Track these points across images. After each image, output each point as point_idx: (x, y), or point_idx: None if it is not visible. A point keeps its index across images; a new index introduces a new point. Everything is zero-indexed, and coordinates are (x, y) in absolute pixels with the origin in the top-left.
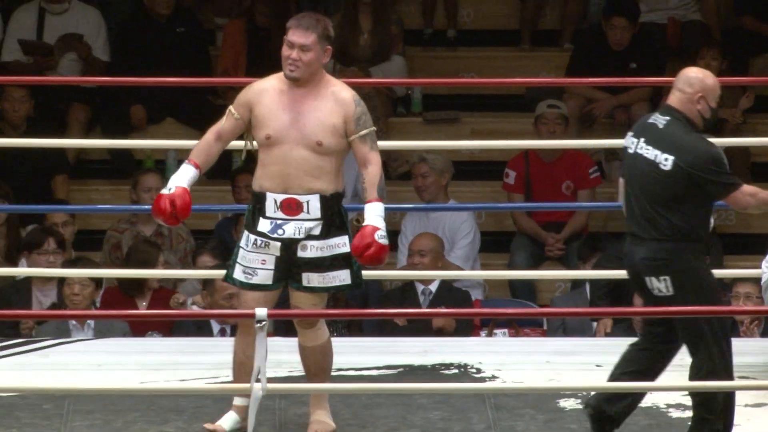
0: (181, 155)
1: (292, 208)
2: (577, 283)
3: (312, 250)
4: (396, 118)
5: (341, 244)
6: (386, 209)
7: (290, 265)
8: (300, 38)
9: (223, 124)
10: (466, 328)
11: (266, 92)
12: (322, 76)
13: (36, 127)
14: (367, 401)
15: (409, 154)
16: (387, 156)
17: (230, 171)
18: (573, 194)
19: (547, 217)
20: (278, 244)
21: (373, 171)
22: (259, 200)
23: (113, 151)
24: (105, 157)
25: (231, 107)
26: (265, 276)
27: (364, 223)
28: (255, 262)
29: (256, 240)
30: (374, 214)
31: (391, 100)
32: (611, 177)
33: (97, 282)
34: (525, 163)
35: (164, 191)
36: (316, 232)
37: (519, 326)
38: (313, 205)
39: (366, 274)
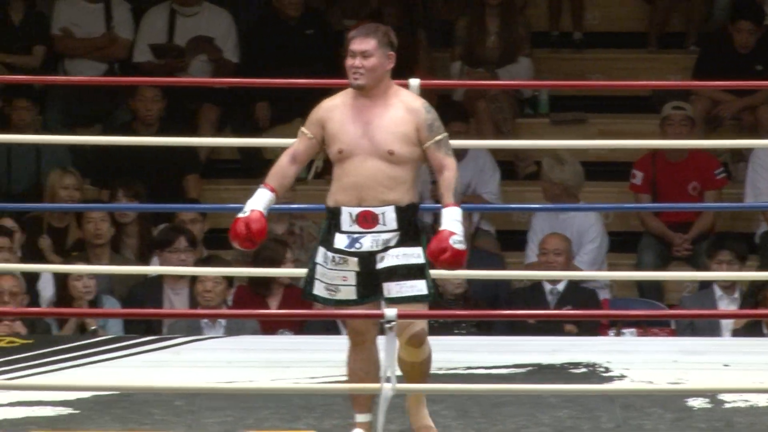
0: None
1: (368, 220)
2: (704, 283)
3: (388, 259)
4: (523, 119)
5: (415, 255)
6: (513, 209)
7: (372, 279)
8: (360, 45)
9: (297, 145)
10: (593, 327)
11: (336, 108)
12: (389, 85)
13: (168, 126)
14: (496, 400)
15: (537, 154)
16: (515, 156)
17: None
18: (699, 195)
19: (674, 218)
20: (355, 259)
21: (449, 176)
22: (334, 215)
23: (243, 151)
24: (235, 157)
25: (303, 128)
26: (348, 292)
27: (440, 228)
28: (336, 278)
29: (333, 257)
30: (451, 219)
31: (518, 101)
32: (737, 178)
33: (229, 280)
34: (652, 164)
35: (240, 215)
36: (393, 243)
37: (647, 326)
38: (389, 216)
39: (491, 274)
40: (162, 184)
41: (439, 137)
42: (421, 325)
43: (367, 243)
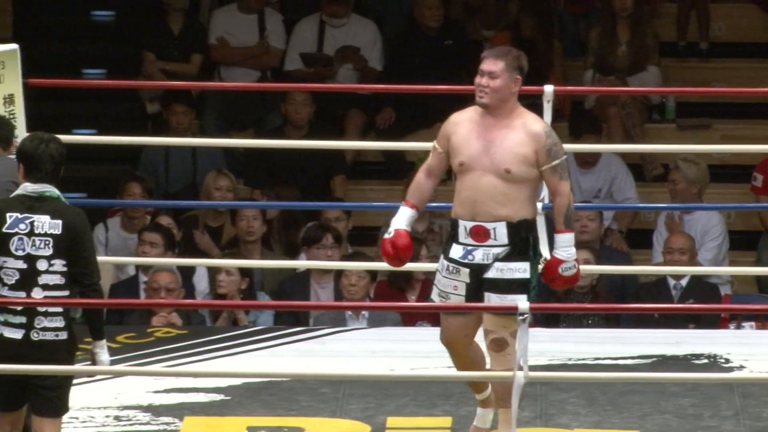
0: None
1: (480, 234)
2: None
3: (492, 271)
4: (651, 124)
5: (521, 270)
6: (641, 209)
7: (478, 290)
8: (489, 66)
9: (431, 160)
10: (715, 320)
11: (462, 122)
12: (514, 107)
13: (317, 130)
14: (623, 388)
15: (663, 157)
16: (642, 159)
17: None
18: None
19: None
20: (467, 270)
21: (561, 202)
22: (453, 226)
23: (387, 153)
24: (379, 159)
25: (434, 143)
26: (456, 301)
27: (552, 254)
28: (448, 287)
29: (448, 266)
30: (561, 245)
31: (646, 107)
32: None
33: (372, 275)
34: None
35: (386, 236)
36: (502, 256)
37: (765, 320)
38: (500, 231)
39: (619, 269)
40: (310, 185)
41: (556, 162)
42: (504, 334)
43: (479, 255)
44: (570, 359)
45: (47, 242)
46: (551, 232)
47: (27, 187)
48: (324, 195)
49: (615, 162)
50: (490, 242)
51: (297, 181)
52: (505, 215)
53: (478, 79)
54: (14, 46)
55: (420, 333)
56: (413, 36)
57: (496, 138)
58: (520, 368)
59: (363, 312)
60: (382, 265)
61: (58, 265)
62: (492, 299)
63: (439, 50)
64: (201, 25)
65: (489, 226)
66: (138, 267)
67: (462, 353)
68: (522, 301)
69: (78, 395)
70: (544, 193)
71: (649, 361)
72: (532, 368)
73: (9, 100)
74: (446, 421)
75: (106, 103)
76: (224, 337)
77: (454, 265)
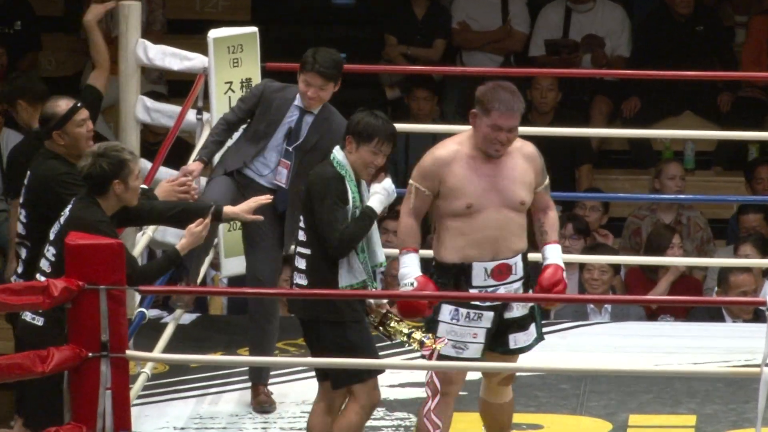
0: (698, 146)
1: (503, 272)
2: None
3: (518, 309)
4: None
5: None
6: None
7: (496, 332)
8: (510, 121)
9: (415, 203)
10: None
11: (455, 161)
12: None
13: (562, 116)
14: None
15: None
16: None
17: (746, 162)
18: None
19: None
20: (491, 314)
21: (553, 216)
22: (463, 271)
23: (633, 142)
24: (625, 148)
25: (415, 184)
26: (475, 350)
27: (547, 262)
28: (467, 336)
29: (468, 313)
30: (557, 255)
31: None
32: None
33: (616, 268)
34: None
35: (408, 288)
36: (521, 291)
37: None
38: (519, 264)
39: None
40: (555, 174)
41: (547, 181)
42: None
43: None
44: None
45: None
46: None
47: None
48: (570, 184)
49: None
50: (511, 278)
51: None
52: (522, 247)
53: (496, 134)
54: (253, 29)
55: (664, 328)
56: (663, 22)
57: (501, 171)
58: (767, 364)
59: (606, 305)
60: (625, 259)
61: None
62: (518, 339)
63: (690, 36)
64: (444, 9)
65: (511, 262)
66: None
67: (451, 399)
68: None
69: (312, 387)
70: None
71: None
72: None
73: (246, 83)
74: (690, 419)
75: (344, 88)
76: None
77: (475, 311)
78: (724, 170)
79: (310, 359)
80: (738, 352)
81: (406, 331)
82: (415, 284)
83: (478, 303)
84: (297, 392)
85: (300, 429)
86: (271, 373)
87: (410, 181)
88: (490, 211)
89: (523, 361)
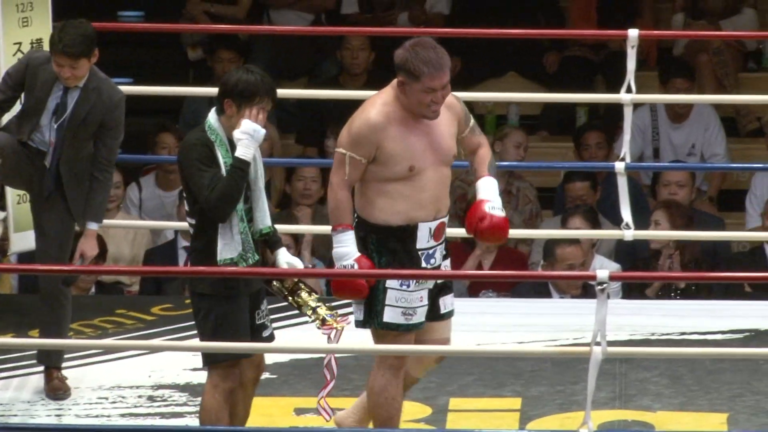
0: (523, 110)
1: (441, 231)
2: None
3: (445, 269)
4: (746, 73)
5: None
6: (734, 169)
7: (432, 296)
8: (443, 80)
9: (351, 174)
10: None
11: (390, 125)
12: None
13: (376, 78)
14: (711, 367)
15: (759, 110)
16: (736, 112)
17: (575, 127)
18: None
19: None
20: None
21: (485, 151)
22: (408, 233)
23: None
24: None
25: (349, 153)
26: (422, 313)
27: (477, 198)
28: (415, 301)
29: None
30: (486, 189)
31: (741, 54)
32: None
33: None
34: None
35: (347, 268)
36: (445, 251)
37: None
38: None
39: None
40: None
41: (472, 120)
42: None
43: (438, 256)
44: (653, 334)
45: None
46: (635, 196)
47: None
48: None
49: (707, 113)
50: (443, 237)
51: None
52: (449, 204)
53: (431, 96)
54: None
55: (485, 304)
56: None
57: (432, 128)
58: (598, 343)
59: None
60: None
61: None
62: (446, 303)
63: None
64: None
65: (446, 220)
66: (177, 231)
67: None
68: (601, 270)
69: (109, 372)
70: None
71: (741, 335)
72: (611, 343)
73: (37, 44)
74: (515, 402)
75: (143, 49)
76: (277, 307)
77: None
78: (550, 135)
79: (104, 341)
80: (566, 329)
81: (313, 304)
82: (356, 266)
83: (425, 266)
84: (93, 377)
85: (96, 416)
86: (66, 356)
87: (339, 150)
88: (429, 170)
89: (345, 343)
